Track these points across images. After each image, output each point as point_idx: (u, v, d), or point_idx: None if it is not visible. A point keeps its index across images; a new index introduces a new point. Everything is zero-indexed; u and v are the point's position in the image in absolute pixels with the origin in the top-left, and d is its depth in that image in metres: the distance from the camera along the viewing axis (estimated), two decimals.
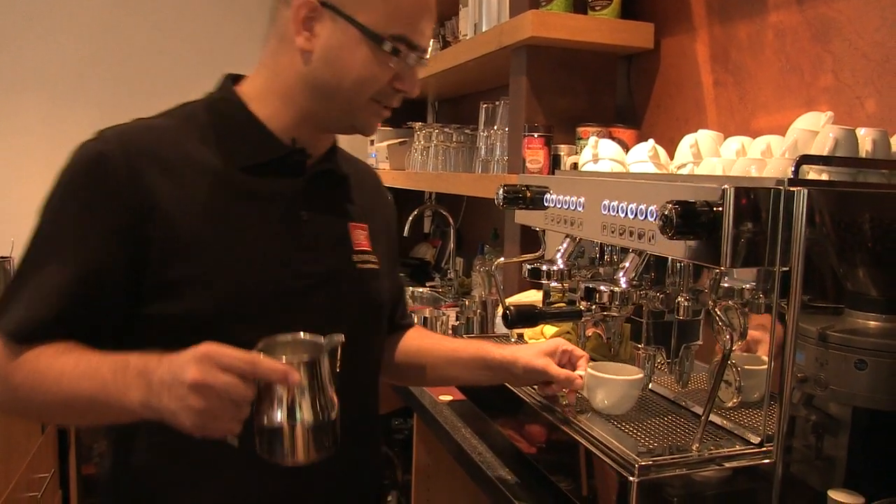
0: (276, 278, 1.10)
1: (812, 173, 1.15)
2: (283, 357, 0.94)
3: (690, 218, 1.02)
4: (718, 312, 1.09)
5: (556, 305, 1.39)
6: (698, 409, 1.25)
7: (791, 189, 1.03)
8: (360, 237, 1.23)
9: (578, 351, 1.32)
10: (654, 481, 1.02)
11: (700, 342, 1.26)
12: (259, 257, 1.10)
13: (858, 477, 1.10)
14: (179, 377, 0.87)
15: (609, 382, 1.24)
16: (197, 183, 1.08)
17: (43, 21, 3.51)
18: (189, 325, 1.02)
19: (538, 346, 1.32)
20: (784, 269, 1.05)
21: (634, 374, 1.26)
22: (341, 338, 0.98)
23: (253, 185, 1.11)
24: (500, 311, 1.70)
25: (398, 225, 1.46)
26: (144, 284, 1.04)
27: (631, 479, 1.01)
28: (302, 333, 1.00)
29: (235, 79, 1.19)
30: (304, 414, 0.92)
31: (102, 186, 1.03)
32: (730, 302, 1.14)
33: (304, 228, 1.14)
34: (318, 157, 1.19)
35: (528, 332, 1.66)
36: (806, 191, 1.02)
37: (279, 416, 0.91)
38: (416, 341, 1.42)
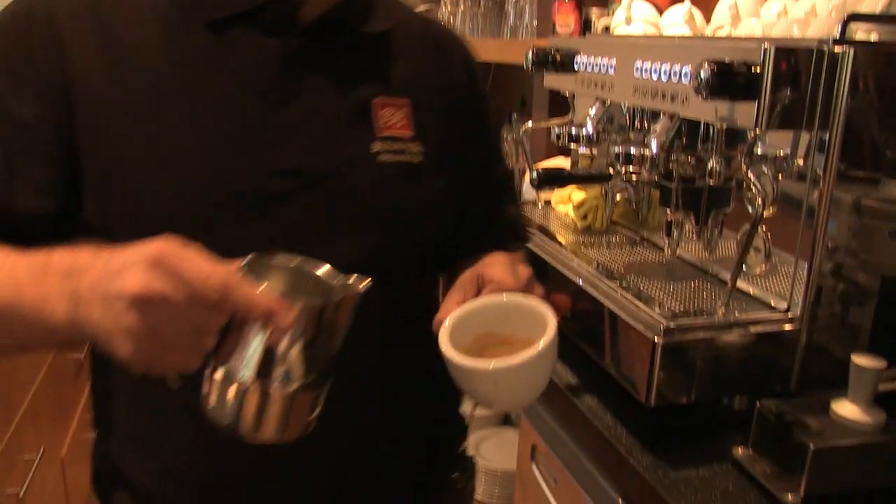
0: (242, 175, 0.80)
1: (860, 33, 1.10)
2: (273, 288, 0.65)
3: (727, 78, 0.98)
4: (751, 177, 1.07)
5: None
6: (725, 276, 1.25)
7: (835, 50, 0.98)
8: (394, 117, 0.87)
9: (489, 274, 0.84)
10: (679, 343, 1.03)
11: (730, 209, 1.24)
12: (219, 146, 0.80)
13: (881, 345, 1.10)
14: (118, 286, 0.60)
15: (468, 373, 0.75)
16: (142, 47, 0.80)
17: None
18: (127, 235, 0.68)
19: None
20: (822, 134, 1.02)
21: (529, 345, 0.75)
22: (365, 285, 0.70)
23: (222, 47, 0.81)
24: (527, 178, 1.69)
25: (478, 90, 1.02)
26: (76, 180, 0.80)
27: (656, 340, 1.02)
28: (311, 263, 0.71)
29: None
30: (286, 374, 0.65)
31: (17, 53, 0.79)
32: (763, 167, 1.12)
33: (293, 105, 0.83)
34: (324, 5, 0.85)
35: (555, 199, 1.65)
36: (851, 50, 0.97)
37: (247, 370, 0.64)
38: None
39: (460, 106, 0.95)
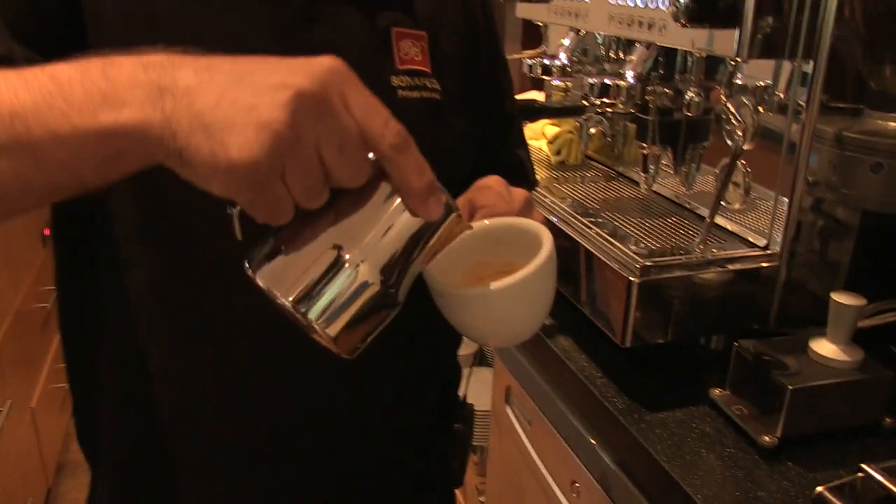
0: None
1: None
2: None
3: (707, 4, 0.93)
4: (731, 108, 1.03)
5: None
6: (703, 212, 1.21)
7: None
8: (412, 50, 0.81)
9: (480, 199, 0.76)
10: (655, 283, 1.00)
11: (709, 142, 1.20)
12: None
13: (860, 282, 1.08)
14: (280, 77, 0.47)
15: (458, 302, 0.67)
16: None
17: None
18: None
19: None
20: (805, 64, 0.97)
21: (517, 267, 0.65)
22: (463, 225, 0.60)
23: None
24: None
25: (494, 31, 0.92)
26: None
27: (632, 279, 0.99)
28: None
29: None
30: (389, 274, 0.55)
31: None
32: (743, 98, 1.08)
33: (310, 34, 0.74)
34: None
35: (528, 133, 1.59)
36: None
37: (355, 246, 0.53)
38: None
39: (477, 45, 0.87)
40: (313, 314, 0.52)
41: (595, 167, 1.51)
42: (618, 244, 1.06)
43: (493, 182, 0.76)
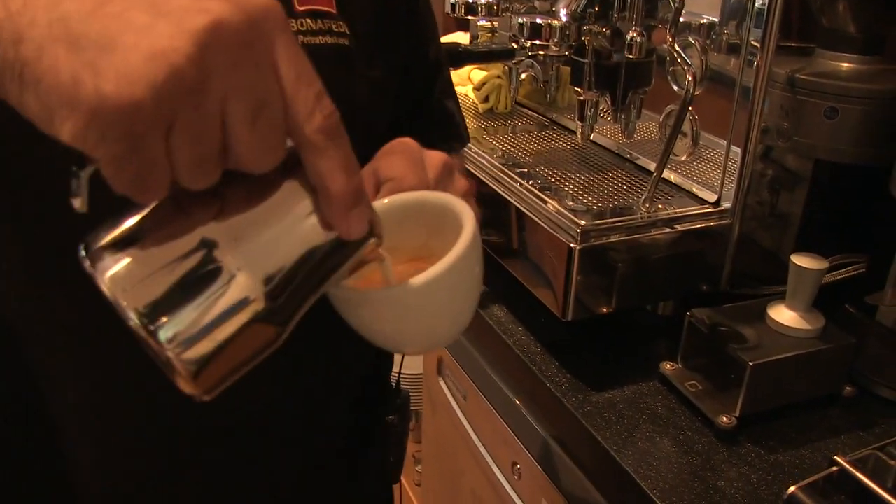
0: None
1: None
2: None
3: None
4: (677, 49, 0.92)
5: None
6: (645, 163, 1.11)
7: None
8: None
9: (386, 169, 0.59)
10: (598, 248, 0.90)
11: (650, 87, 1.09)
12: None
13: (813, 236, 1.01)
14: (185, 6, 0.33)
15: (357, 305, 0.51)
16: None
17: None
18: None
19: None
20: None
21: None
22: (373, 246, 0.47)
23: None
24: None
25: None
26: None
27: (572, 245, 0.88)
28: None
29: None
30: (277, 290, 0.40)
31: None
32: (690, 38, 0.97)
33: None
34: None
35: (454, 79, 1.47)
36: None
37: (241, 251, 0.39)
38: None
39: None
40: (165, 333, 0.37)
41: (526, 115, 1.39)
42: (555, 203, 0.95)
43: (402, 146, 0.60)
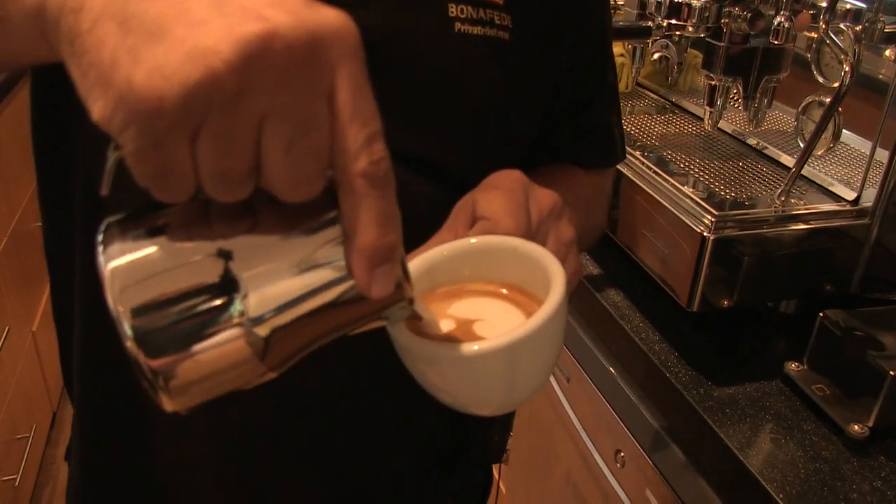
0: None
1: None
2: None
3: None
4: (832, 36, 0.87)
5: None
6: (773, 152, 1.07)
7: None
8: None
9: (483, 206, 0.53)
10: (731, 239, 0.87)
11: (786, 74, 1.05)
12: None
13: None
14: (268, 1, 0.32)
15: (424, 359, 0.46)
16: None
17: None
18: None
19: None
20: None
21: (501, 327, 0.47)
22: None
23: None
24: None
25: None
26: None
27: (705, 234, 0.85)
28: None
29: None
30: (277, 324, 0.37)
31: None
32: (841, 25, 0.92)
33: None
34: None
35: None
36: None
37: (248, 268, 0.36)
38: None
39: None
40: (150, 344, 0.34)
41: (647, 96, 1.36)
42: (689, 190, 0.92)
43: (508, 182, 0.54)
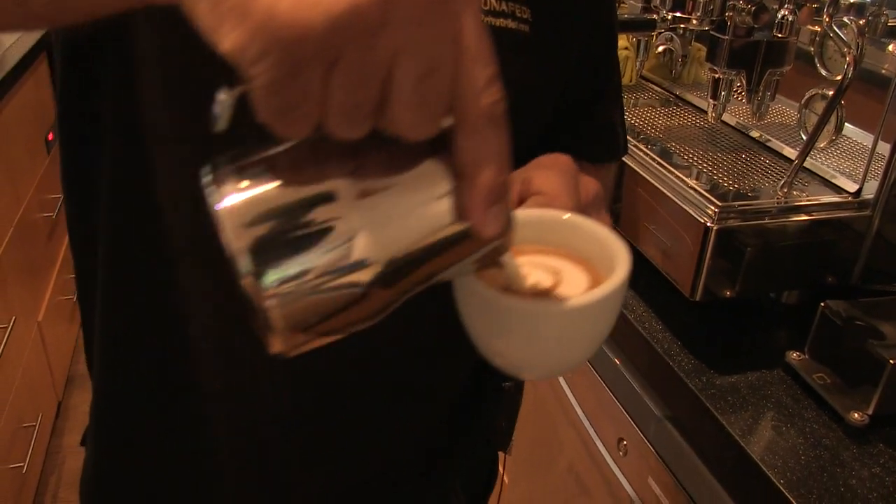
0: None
1: None
2: None
3: None
4: (835, 29, 0.88)
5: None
6: (776, 145, 1.08)
7: None
8: None
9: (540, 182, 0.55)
10: (734, 229, 0.88)
11: (789, 68, 1.06)
12: None
13: None
14: None
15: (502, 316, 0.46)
16: None
17: None
18: None
19: None
20: None
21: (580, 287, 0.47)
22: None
23: None
24: None
25: None
26: None
27: (709, 224, 0.87)
28: None
29: None
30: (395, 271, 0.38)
31: None
32: (845, 18, 0.93)
33: None
34: None
35: None
36: None
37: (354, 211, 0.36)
38: None
39: None
40: (267, 279, 0.34)
41: (650, 89, 1.37)
42: (692, 181, 0.93)
43: (560, 164, 0.56)
